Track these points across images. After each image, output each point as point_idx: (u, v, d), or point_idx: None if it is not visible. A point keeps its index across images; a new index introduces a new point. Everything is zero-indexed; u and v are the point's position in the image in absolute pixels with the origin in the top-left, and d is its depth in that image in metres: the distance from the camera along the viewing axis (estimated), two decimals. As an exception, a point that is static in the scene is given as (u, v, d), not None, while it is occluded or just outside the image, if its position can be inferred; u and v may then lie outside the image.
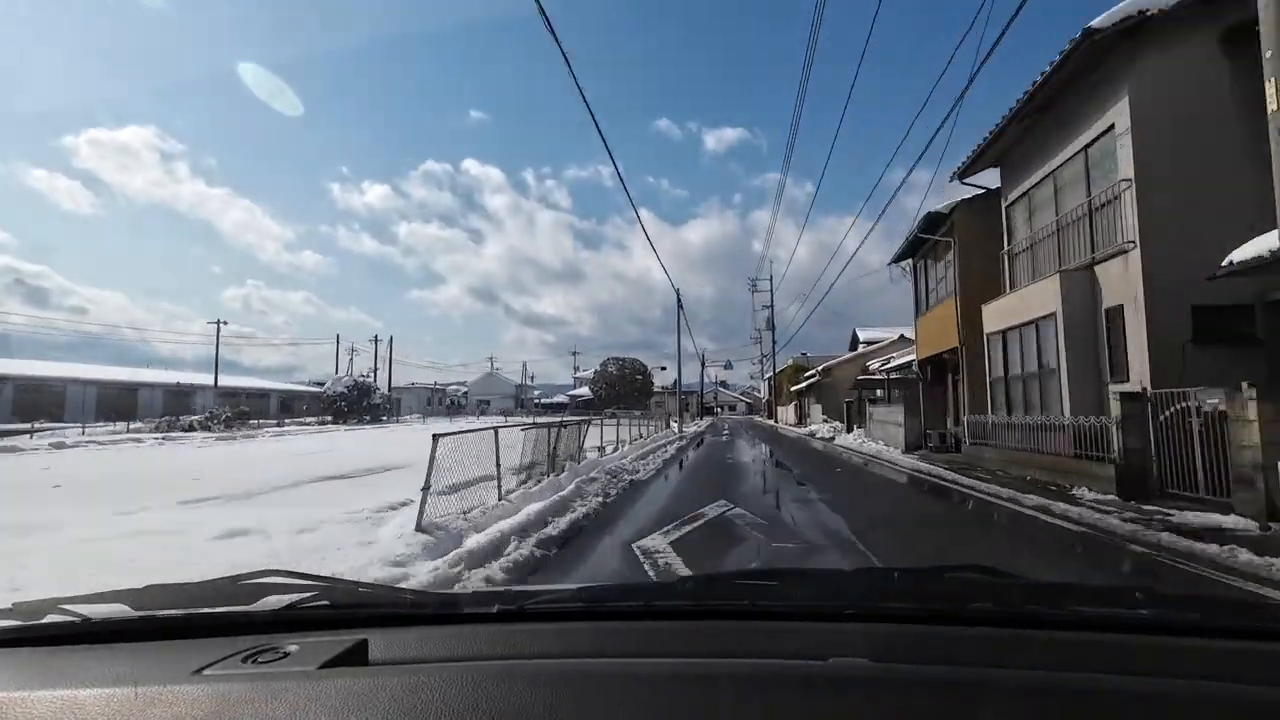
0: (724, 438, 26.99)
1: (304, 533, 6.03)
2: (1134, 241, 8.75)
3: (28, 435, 24.88)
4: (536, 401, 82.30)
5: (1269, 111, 5.03)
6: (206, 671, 0.85)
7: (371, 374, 58.93)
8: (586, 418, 15.30)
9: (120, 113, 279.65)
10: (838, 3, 14.45)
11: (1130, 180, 8.76)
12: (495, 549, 5.25)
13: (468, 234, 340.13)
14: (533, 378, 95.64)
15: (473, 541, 5.58)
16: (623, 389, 69.41)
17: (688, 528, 6.39)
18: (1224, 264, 6.71)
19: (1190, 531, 5.79)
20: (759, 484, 10.67)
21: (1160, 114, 8.74)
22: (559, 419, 13.41)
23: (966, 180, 13.60)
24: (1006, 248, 12.84)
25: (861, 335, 41.40)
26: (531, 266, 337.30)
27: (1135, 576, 4.83)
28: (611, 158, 14.61)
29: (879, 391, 25.54)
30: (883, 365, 27.03)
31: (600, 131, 10.61)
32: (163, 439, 25.14)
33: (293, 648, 0.92)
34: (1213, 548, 5.12)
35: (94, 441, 22.34)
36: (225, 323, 51.00)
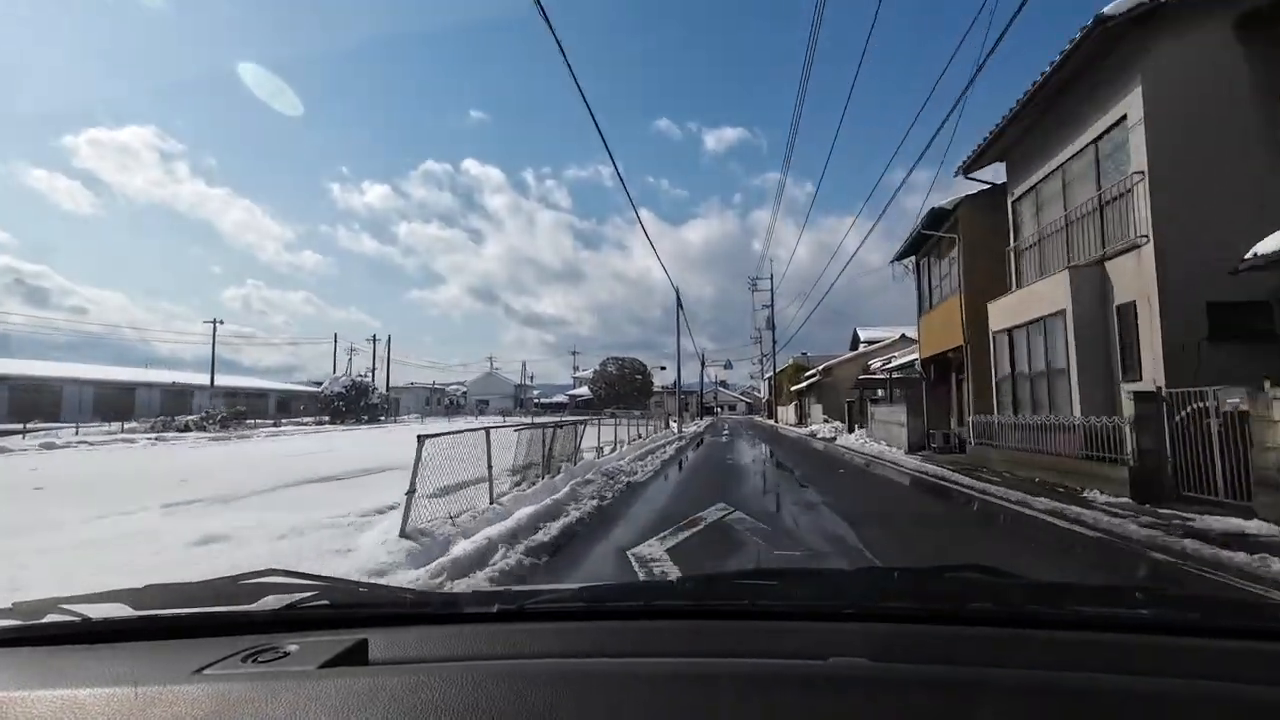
0: (724, 438, 26.71)
1: (282, 539, 5.77)
2: (1147, 236, 8.47)
3: (20, 435, 24.61)
4: (536, 401, 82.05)
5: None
6: (206, 671, 0.85)
7: (370, 374, 58.62)
8: (584, 418, 15.05)
9: (120, 112, 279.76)
10: (838, 2, 14.18)
11: (1143, 172, 8.48)
12: (481, 557, 4.98)
13: (468, 234, 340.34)
14: (532, 377, 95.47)
15: (460, 548, 5.30)
16: (622, 389, 69.16)
17: (686, 533, 6.11)
18: (1247, 257, 6.44)
19: (1214, 538, 5.52)
20: (759, 486, 10.39)
21: (1174, 104, 8.46)
22: (556, 419, 13.17)
23: (971, 175, 13.32)
24: (1013, 244, 12.56)
25: (862, 335, 41.16)
26: (531, 266, 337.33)
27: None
28: (611, 157, 14.50)
29: (880, 391, 25.28)
30: (884, 365, 26.76)
31: (600, 131, 10.40)
32: (155, 439, 24.84)
33: (293, 647, 0.92)
34: (1240, 556, 4.84)
35: (85, 442, 22.03)
36: (221, 322, 50.55)
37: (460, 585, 4.37)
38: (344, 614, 1.13)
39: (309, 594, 1.17)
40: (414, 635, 1.01)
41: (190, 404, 44.75)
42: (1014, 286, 12.23)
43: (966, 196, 13.96)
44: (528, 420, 12.78)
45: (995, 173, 13.55)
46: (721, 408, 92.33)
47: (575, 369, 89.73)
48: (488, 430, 7.78)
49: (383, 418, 50.46)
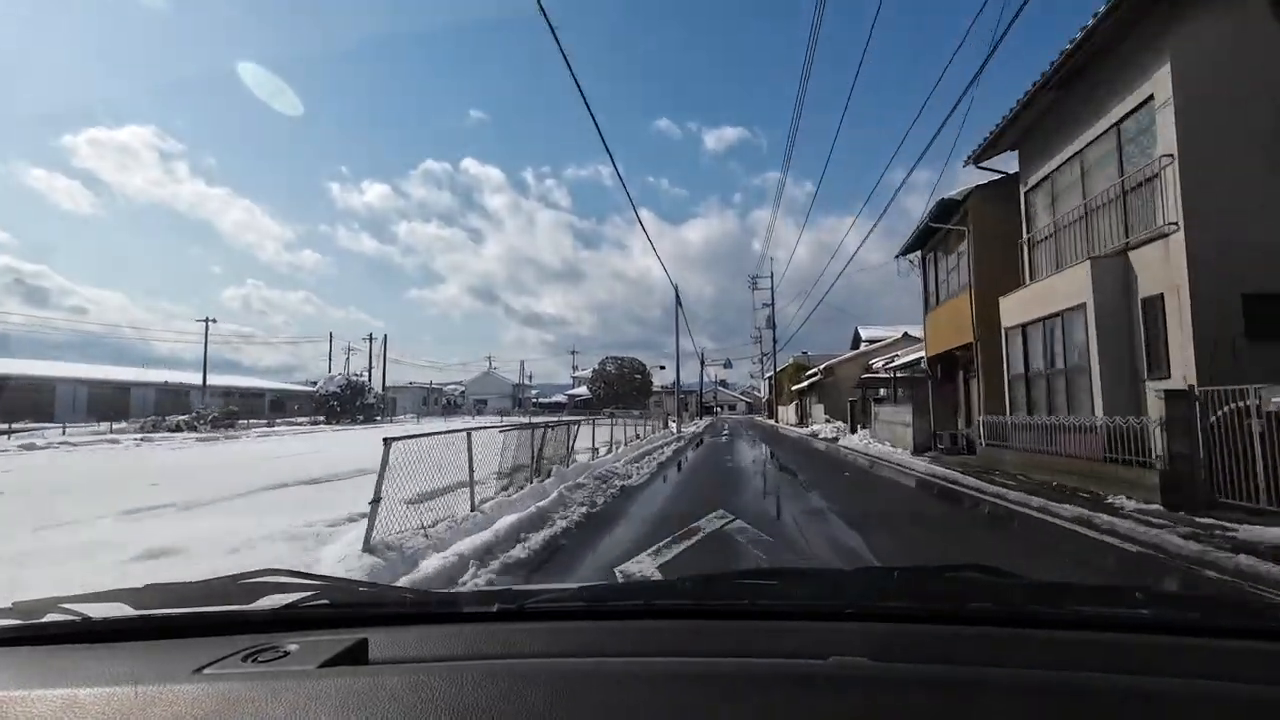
0: (723, 438, 26.15)
1: (235, 553, 5.23)
2: (1176, 223, 7.91)
3: (4, 435, 24.07)
4: (535, 401, 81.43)
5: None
6: (206, 671, 0.84)
7: (366, 373, 58.03)
8: (577, 418, 14.54)
9: (120, 112, 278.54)
10: (839, 2, 13.61)
11: (1173, 155, 7.92)
12: (450, 578, 4.42)
13: (467, 233, 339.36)
14: (530, 377, 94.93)
15: (429, 565, 4.76)
16: (621, 388, 68.63)
17: (681, 546, 5.55)
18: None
19: (1265, 551, 4.96)
20: (761, 491, 9.84)
21: (1205, 82, 7.90)
22: (553, 418, 12.66)
23: (983, 165, 12.76)
24: (1026, 236, 12.00)
25: (864, 334, 40.64)
26: (531, 266, 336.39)
27: None
28: (610, 156, 14.11)
29: (883, 391, 24.72)
30: (887, 364, 26.23)
31: (599, 130, 10.19)
32: (141, 440, 24.27)
33: (292, 647, 0.91)
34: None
35: (67, 443, 21.45)
36: (214, 320, 49.97)
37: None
38: (344, 614, 1.13)
39: (308, 593, 1.17)
40: (414, 635, 1.01)
41: (187, 404, 44.21)
42: (1027, 280, 11.68)
43: (977, 187, 13.40)
44: (525, 420, 12.25)
45: (1006, 163, 13.02)
46: (721, 407, 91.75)
47: (574, 368, 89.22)
48: (469, 432, 7.22)
49: (378, 418, 49.90)
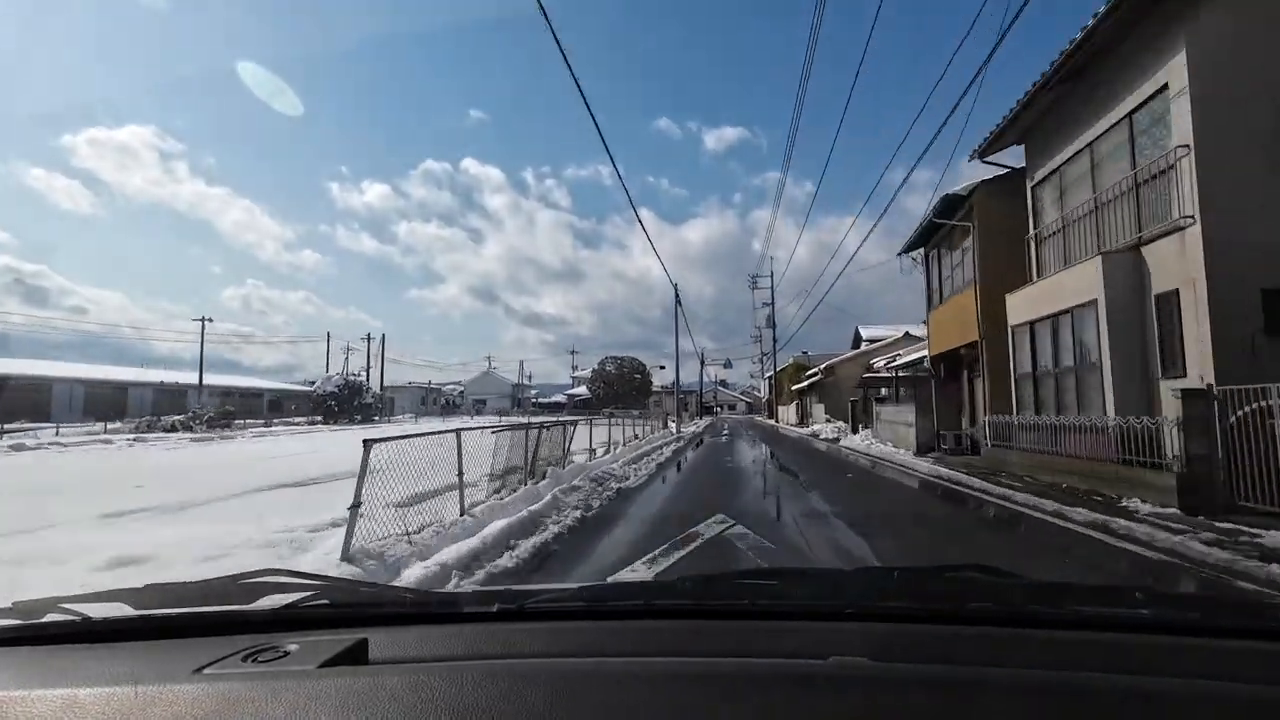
0: (723, 439, 25.87)
1: (208, 561, 4.97)
2: (1193, 216, 7.63)
3: (-4, 436, 23.79)
4: (534, 401, 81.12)
5: None
6: (206, 670, 0.84)
7: (364, 373, 57.74)
8: (575, 418, 14.27)
9: (119, 112, 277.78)
10: (839, 1, 13.33)
11: (1189, 146, 7.64)
12: (432, 589, 4.14)
13: (467, 233, 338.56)
14: (530, 376, 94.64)
15: (413, 573, 4.49)
16: (621, 388, 68.36)
17: (679, 553, 5.27)
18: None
19: (1296, 559, 4.69)
20: (761, 493, 9.56)
21: (1222, 69, 7.62)
22: (544, 419, 12.39)
23: (988, 159, 12.45)
24: (1033, 231, 11.71)
25: (864, 333, 40.36)
26: (531, 266, 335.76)
27: None
28: (610, 156, 13.88)
29: (885, 390, 24.46)
30: (888, 363, 25.95)
31: (599, 130, 9.98)
32: (133, 440, 23.98)
33: (292, 647, 0.91)
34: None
35: (57, 443, 21.16)
36: (210, 320, 49.71)
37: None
38: (344, 613, 1.12)
39: (308, 593, 1.16)
40: (414, 635, 1.00)
41: (184, 404, 43.98)
42: (1034, 277, 11.40)
43: (982, 182, 13.11)
44: (523, 420, 11.99)
45: (1012, 157, 12.74)
46: (721, 407, 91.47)
47: (574, 368, 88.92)
48: (459, 432, 6.95)
49: (376, 418, 49.60)
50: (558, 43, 7.56)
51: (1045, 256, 11.40)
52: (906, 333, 31.92)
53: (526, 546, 5.29)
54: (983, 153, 12.26)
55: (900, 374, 22.36)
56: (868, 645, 0.87)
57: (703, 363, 67.82)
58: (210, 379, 51.35)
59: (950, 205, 13.75)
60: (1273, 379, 6.42)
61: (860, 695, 0.73)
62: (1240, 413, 6.65)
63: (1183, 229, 7.81)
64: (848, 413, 25.80)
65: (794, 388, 44.45)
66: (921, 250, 17.06)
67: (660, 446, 18.72)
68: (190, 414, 34.57)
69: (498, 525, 5.92)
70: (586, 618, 1.11)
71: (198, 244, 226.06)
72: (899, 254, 17.37)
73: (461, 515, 6.47)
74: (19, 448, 19.21)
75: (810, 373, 39.46)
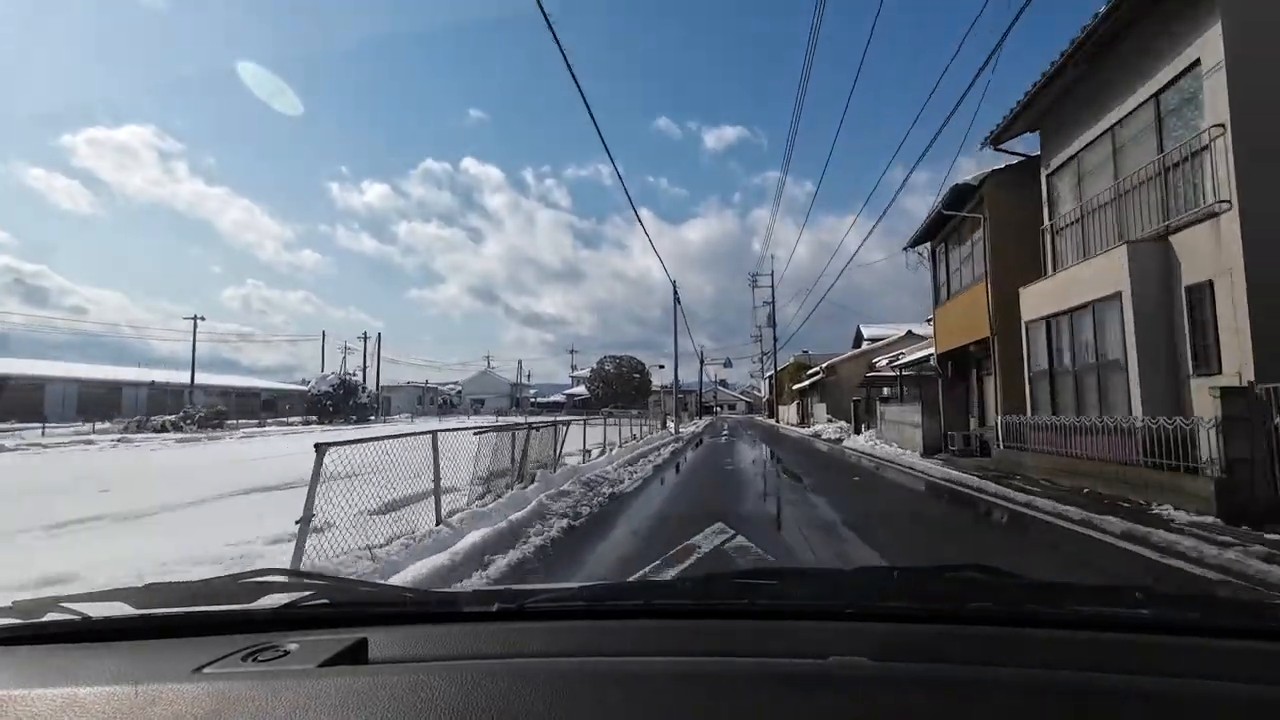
0: (723, 439, 25.32)
1: (139, 581, 4.40)
2: (1228, 201, 7.08)
3: (-21, 437, 23.20)
4: (533, 401, 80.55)
5: None
6: (206, 670, 0.84)
7: (360, 372, 57.16)
8: (570, 418, 13.72)
9: (119, 112, 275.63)
10: (839, 1, 12.80)
11: (1224, 125, 7.09)
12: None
13: (467, 233, 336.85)
14: (529, 376, 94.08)
15: (369, 595, 3.94)
16: (620, 388, 67.85)
17: (673, 570, 4.72)
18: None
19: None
20: (764, 499, 9.00)
21: (1261, 42, 7.07)
22: (546, 419, 11.89)
23: (1000, 146, 11.90)
24: (1048, 222, 11.15)
25: (866, 332, 39.79)
26: (531, 266, 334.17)
27: None
28: (610, 156, 13.61)
29: (888, 390, 23.94)
30: (891, 362, 25.42)
31: (599, 129, 9.86)
32: (118, 441, 23.43)
33: (293, 646, 0.91)
34: None
35: (37, 445, 20.60)
36: (203, 318, 49.17)
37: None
38: (344, 613, 1.12)
39: (308, 593, 1.16)
40: (414, 634, 0.99)
41: (179, 403, 43.50)
42: (1050, 270, 10.84)
43: (993, 171, 12.55)
44: (522, 420, 11.46)
45: (1025, 146, 12.18)
46: (721, 407, 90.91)
47: (573, 368, 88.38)
48: (434, 434, 6.39)
49: (372, 417, 49.03)
50: (558, 43, 7.56)
51: (1062, 248, 10.84)
52: (909, 331, 31.40)
53: (502, 564, 4.72)
54: (995, 140, 11.70)
55: (904, 373, 21.83)
56: (868, 645, 0.87)
57: (702, 362, 67.34)
58: (206, 379, 50.86)
59: (960, 196, 13.19)
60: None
61: (860, 695, 0.72)
62: (1287, 413, 6.11)
63: (1217, 215, 7.26)
64: (850, 413, 25.25)
65: (795, 387, 43.91)
66: (928, 245, 16.51)
67: (658, 447, 18.16)
68: (181, 414, 34.01)
69: (474, 537, 5.36)
70: (586, 617, 1.11)
71: (197, 244, 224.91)
72: (905, 249, 16.82)
73: (437, 525, 5.92)
74: (-3, 449, 18.66)
75: (811, 372, 38.92)
